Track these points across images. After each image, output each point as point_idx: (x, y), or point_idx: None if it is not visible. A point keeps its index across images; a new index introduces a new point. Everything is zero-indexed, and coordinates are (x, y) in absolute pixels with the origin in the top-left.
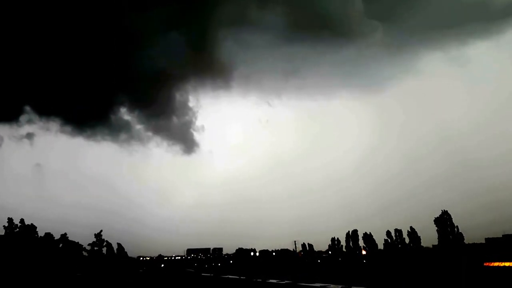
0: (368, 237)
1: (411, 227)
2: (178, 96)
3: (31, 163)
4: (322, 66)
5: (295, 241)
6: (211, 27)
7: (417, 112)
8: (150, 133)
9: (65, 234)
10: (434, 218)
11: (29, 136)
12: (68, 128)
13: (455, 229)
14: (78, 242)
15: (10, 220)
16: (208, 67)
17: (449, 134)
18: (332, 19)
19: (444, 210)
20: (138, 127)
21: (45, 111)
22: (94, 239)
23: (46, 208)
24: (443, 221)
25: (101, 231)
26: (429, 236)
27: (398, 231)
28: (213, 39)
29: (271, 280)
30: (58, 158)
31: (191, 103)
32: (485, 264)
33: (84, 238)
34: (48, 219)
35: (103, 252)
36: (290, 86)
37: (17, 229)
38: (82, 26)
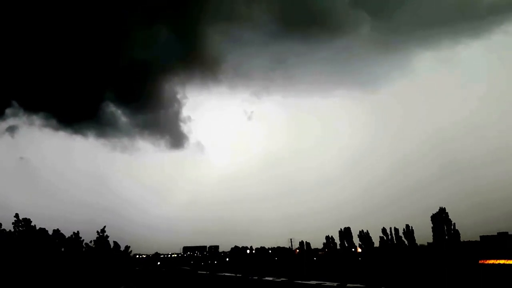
0: (364, 235)
1: (406, 225)
2: (166, 90)
3: (15, 156)
4: (311, 62)
5: (291, 239)
6: (199, 21)
7: (410, 110)
8: (138, 128)
9: (58, 230)
10: (431, 215)
11: (11, 129)
12: (53, 122)
13: (452, 227)
14: (76, 238)
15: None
16: (196, 62)
17: (441, 134)
18: (319, 13)
19: (441, 207)
20: (125, 121)
21: (29, 104)
22: (97, 235)
23: (34, 204)
24: (440, 218)
25: (105, 227)
26: (424, 235)
27: (395, 230)
28: (201, 34)
29: (267, 278)
30: (42, 152)
31: (179, 98)
32: (480, 261)
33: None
34: (38, 216)
35: (103, 249)
36: (279, 82)
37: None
38: (68, 19)
